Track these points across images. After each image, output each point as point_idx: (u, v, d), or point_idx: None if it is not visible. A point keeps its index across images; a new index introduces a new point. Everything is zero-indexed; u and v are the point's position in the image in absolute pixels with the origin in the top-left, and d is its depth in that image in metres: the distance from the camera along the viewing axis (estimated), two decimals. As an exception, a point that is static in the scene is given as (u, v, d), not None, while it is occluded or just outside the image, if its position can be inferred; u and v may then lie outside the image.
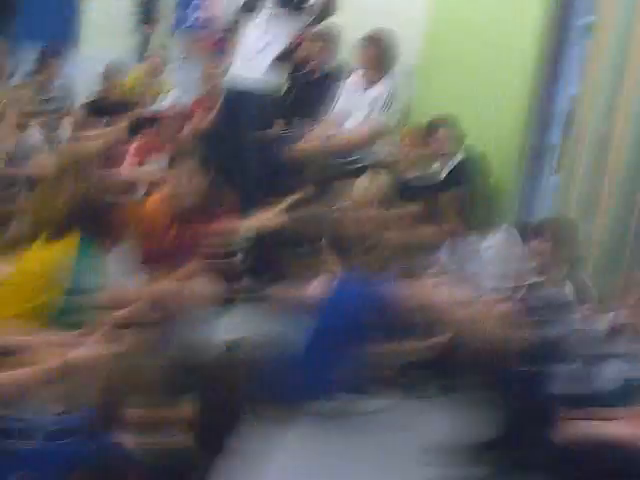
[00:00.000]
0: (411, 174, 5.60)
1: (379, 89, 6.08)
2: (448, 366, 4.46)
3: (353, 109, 6.21)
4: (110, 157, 5.79)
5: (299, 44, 6.82)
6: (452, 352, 4.30)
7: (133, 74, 7.77)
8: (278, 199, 5.40)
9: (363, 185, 4.97)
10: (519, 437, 3.74)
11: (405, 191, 5.49)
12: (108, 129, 6.97)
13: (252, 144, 6.42)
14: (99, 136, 6.48)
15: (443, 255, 5.02)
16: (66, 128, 7.02)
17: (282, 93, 6.63)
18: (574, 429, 3.26)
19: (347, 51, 6.61)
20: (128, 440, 2.50)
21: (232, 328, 4.69)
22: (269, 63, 6.40)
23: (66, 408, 2.64)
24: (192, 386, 2.37)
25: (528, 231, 4.51)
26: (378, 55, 6.07)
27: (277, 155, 6.16)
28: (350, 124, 6.21)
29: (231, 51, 6.99)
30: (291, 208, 5.23)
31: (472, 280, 4.78)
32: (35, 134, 6.65)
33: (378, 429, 4.33)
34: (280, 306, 4.62)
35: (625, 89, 4.60)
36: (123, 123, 6.90)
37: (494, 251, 4.75)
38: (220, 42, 8.34)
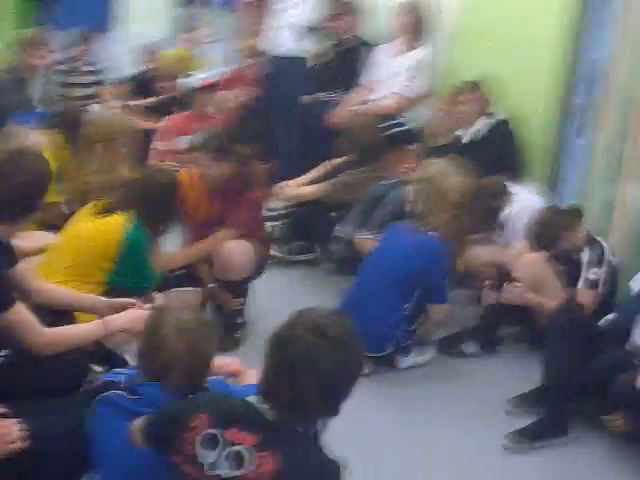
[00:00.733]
0: (441, 141, 5.68)
1: (416, 55, 6.24)
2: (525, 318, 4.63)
3: (391, 75, 6.33)
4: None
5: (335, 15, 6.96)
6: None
7: (174, 51, 7.90)
8: (320, 165, 5.58)
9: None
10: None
11: (442, 154, 5.63)
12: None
13: (294, 110, 6.55)
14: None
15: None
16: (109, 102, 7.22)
17: (319, 62, 6.70)
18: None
19: (385, 18, 6.72)
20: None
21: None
22: (305, 33, 6.54)
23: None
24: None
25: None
26: (415, 22, 6.22)
27: (319, 121, 6.33)
28: (388, 90, 6.32)
29: (268, 24, 7.12)
30: (332, 174, 5.40)
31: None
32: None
33: (459, 380, 4.48)
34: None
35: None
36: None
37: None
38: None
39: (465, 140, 5.46)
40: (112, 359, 3.55)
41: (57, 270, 3.86)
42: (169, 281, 4.37)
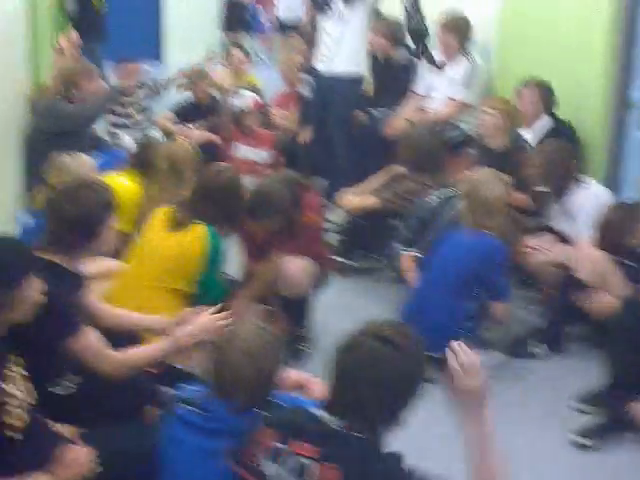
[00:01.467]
0: (498, 143, 5.64)
1: (458, 68, 6.27)
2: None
3: (435, 88, 6.41)
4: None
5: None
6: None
7: (216, 76, 7.97)
8: (379, 173, 5.57)
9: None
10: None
11: (493, 160, 5.59)
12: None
13: (345, 127, 6.61)
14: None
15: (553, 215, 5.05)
16: (156, 129, 7.32)
17: (365, 80, 6.76)
18: None
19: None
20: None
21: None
22: (349, 53, 6.53)
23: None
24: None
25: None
26: (455, 38, 6.25)
27: (371, 135, 6.40)
28: (433, 103, 6.40)
29: (311, 46, 7.19)
30: (392, 183, 5.40)
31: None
32: (125, 137, 6.96)
33: (526, 381, 4.47)
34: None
35: None
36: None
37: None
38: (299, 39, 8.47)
39: (530, 141, 5.39)
40: (180, 377, 3.58)
41: (138, 289, 3.94)
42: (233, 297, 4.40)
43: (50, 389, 3.07)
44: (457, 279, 4.31)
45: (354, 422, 2.28)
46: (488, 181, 4.53)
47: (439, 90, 6.36)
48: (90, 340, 3.12)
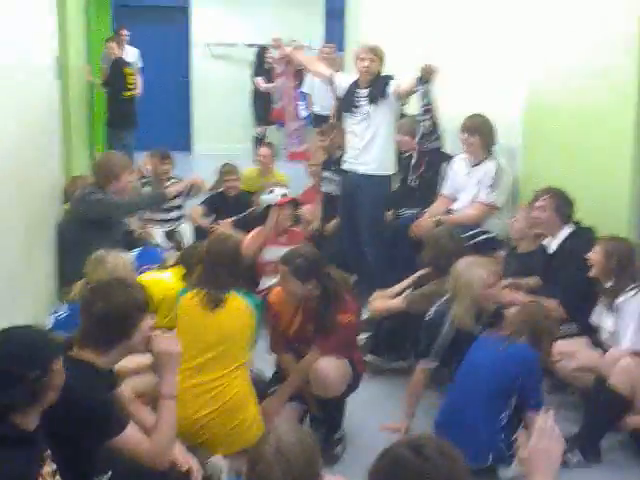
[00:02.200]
0: (525, 248, 5.70)
1: (484, 169, 6.34)
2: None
3: (461, 189, 6.49)
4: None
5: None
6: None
7: (247, 172, 8.14)
8: (402, 278, 5.62)
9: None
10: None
11: (521, 266, 5.65)
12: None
13: (374, 227, 6.64)
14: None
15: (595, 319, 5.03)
16: (187, 225, 7.44)
17: (393, 179, 6.84)
18: None
19: (451, 135, 6.86)
20: None
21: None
22: (376, 153, 6.61)
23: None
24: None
25: None
26: (480, 140, 6.33)
27: (399, 235, 6.44)
28: (459, 204, 6.48)
29: (339, 144, 7.30)
30: (419, 285, 5.43)
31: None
32: (158, 234, 7.06)
33: None
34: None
35: None
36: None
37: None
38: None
39: (551, 250, 5.43)
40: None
41: (197, 371, 4.06)
42: (269, 395, 4.52)
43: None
44: (490, 389, 4.28)
45: None
46: (466, 267, 4.67)
47: (466, 192, 6.43)
48: (135, 435, 3.18)
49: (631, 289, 4.79)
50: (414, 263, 5.67)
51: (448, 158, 6.79)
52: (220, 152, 11.95)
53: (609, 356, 4.65)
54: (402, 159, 7.05)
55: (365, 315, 5.73)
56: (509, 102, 6.84)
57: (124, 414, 3.26)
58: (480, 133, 6.34)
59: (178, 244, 7.21)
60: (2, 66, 4.88)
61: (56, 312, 4.90)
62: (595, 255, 4.90)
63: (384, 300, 5.56)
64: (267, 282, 6.09)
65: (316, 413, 4.57)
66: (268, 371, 4.84)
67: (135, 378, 4.04)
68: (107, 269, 4.53)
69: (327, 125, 8.17)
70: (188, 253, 5.26)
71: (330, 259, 5.31)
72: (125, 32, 12.01)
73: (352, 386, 4.58)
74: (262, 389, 4.49)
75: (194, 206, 7.59)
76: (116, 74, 10.99)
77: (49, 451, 2.77)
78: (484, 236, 6.18)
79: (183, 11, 14.37)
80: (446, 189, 6.63)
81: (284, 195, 6.48)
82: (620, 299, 4.78)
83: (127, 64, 11.28)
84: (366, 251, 6.67)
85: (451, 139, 6.91)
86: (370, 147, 6.60)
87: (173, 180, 7.50)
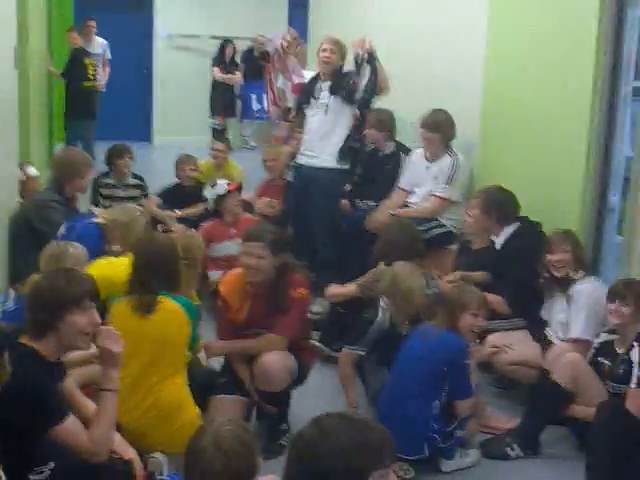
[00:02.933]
0: (479, 244, 5.73)
1: (441, 164, 6.38)
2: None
3: (418, 183, 6.51)
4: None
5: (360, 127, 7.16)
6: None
7: (203, 164, 8.11)
8: (359, 271, 5.63)
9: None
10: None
11: (473, 261, 5.69)
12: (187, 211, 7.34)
13: (327, 220, 6.64)
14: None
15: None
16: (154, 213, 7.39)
17: (350, 173, 6.82)
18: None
19: (409, 131, 6.88)
20: None
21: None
22: (334, 146, 6.60)
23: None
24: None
25: (610, 291, 4.54)
26: (439, 137, 6.37)
27: (354, 228, 6.45)
28: (415, 198, 6.51)
29: (296, 138, 7.28)
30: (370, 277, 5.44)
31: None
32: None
33: None
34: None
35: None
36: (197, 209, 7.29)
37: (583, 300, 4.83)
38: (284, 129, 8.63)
39: (497, 247, 5.48)
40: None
41: (133, 378, 3.99)
42: (215, 388, 4.50)
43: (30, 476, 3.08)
44: (420, 379, 4.31)
45: None
46: (407, 273, 4.68)
47: (423, 185, 6.47)
48: (75, 426, 3.17)
49: (582, 278, 4.86)
50: (370, 256, 5.67)
51: (407, 150, 6.82)
52: (181, 144, 11.91)
53: (553, 350, 4.70)
54: (365, 152, 7.06)
55: (317, 306, 5.75)
56: (467, 97, 6.89)
57: (65, 405, 3.23)
58: (440, 130, 6.36)
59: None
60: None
61: (4, 304, 4.84)
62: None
63: (336, 287, 5.57)
64: (215, 275, 6.09)
65: (261, 405, 4.55)
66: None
67: (81, 369, 4.04)
68: (63, 261, 4.46)
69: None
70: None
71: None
72: (93, 23, 11.88)
73: (298, 379, 4.57)
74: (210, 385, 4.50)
75: (153, 198, 7.55)
76: (76, 64, 10.87)
77: None
78: (439, 230, 6.23)
79: (147, 1, 14.28)
80: (403, 182, 6.66)
81: (228, 184, 6.51)
82: (572, 289, 4.85)
83: (88, 54, 11.16)
84: (319, 245, 6.65)
85: (409, 132, 6.93)
86: (327, 140, 6.59)
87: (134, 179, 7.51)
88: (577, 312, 4.81)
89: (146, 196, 7.51)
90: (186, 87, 14.11)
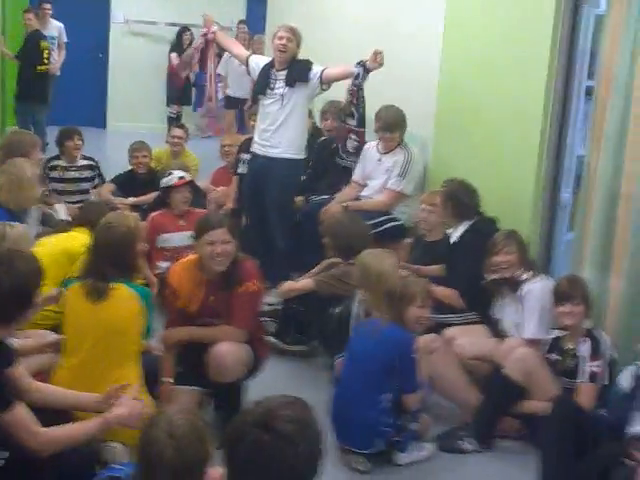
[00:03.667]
0: (433, 237, 5.78)
1: (394, 158, 6.42)
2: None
3: (371, 176, 6.55)
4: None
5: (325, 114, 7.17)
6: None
7: (157, 152, 8.06)
8: (311, 264, 5.63)
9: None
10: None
11: (427, 254, 5.73)
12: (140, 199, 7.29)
13: (282, 212, 6.59)
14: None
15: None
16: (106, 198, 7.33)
17: (303, 163, 6.78)
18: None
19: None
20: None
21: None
22: (289, 137, 6.54)
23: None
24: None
25: (558, 293, 4.61)
26: (397, 134, 6.41)
27: (309, 221, 6.45)
28: (369, 191, 6.54)
29: (251, 126, 7.26)
30: (323, 271, 5.47)
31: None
32: (61, 209, 6.93)
33: (458, 477, 4.43)
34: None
35: (628, 150, 4.79)
36: (149, 196, 7.23)
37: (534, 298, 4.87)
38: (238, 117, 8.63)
39: (452, 240, 5.52)
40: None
41: (83, 364, 4.00)
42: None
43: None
44: (369, 373, 4.32)
45: None
46: (375, 258, 4.67)
47: (376, 178, 6.49)
48: (20, 415, 3.12)
49: (532, 278, 4.92)
50: (323, 249, 5.69)
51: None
52: (135, 130, 11.82)
53: (505, 345, 4.76)
54: (318, 143, 7.06)
55: (269, 300, 5.75)
56: (422, 91, 6.92)
57: (12, 393, 3.20)
58: (398, 127, 6.41)
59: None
60: None
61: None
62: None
63: (290, 283, 5.57)
64: (164, 265, 6.05)
65: (215, 396, 4.54)
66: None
67: (33, 357, 4.02)
68: (10, 243, 4.43)
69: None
70: (87, 209, 5.25)
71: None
72: (48, 6, 11.72)
73: (253, 371, 4.55)
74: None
75: (107, 184, 7.50)
76: (31, 47, 10.74)
77: None
78: (391, 224, 6.26)
79: (103, -15, 14.12)
80: (357, 175, 6.67)
81: (181, 178, 6.39)
82: (523, 290, 4.90)
83: (44, 37, 11.02)
84: (274, 236, 6.61)
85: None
86: (283, 130, 6.52)
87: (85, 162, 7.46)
88: (529, 312, 4.85)
89: (100, 176, 7.51)
90: (142, 74, 13.99)
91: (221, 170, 8.06)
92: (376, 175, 6.49)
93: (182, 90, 12.90)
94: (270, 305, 5.74)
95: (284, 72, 6.49)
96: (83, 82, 13.67)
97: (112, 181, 7.57)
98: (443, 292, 5.18)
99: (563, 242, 5.60)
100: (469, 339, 5.07)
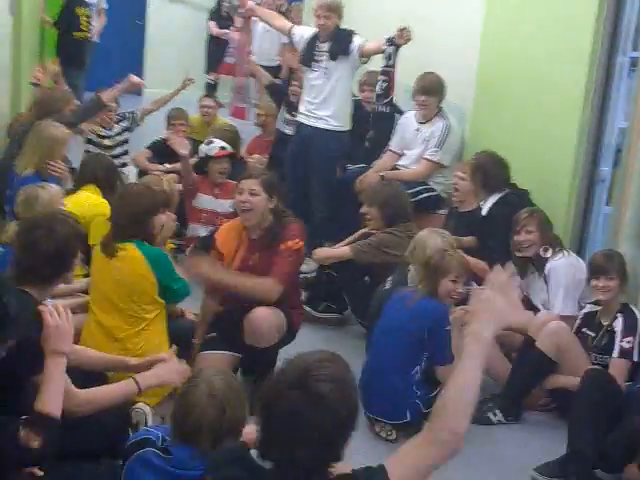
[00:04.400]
0: (466, 207, 5.74)
1: (432, 128, 6.38)
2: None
3: (409, 146, 6.51)
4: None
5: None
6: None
7: (192, 119, 8.05)
8: (347, 233, 5.60)
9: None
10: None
11: (460, 225, 5.70)
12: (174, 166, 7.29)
13: (324, 182, 6.60)
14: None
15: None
16: (132, 167, 7.37)
17: (346, 133, 6.73)
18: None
19: (403, 92, 6.85)
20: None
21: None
22: (334, 109, 6.55)
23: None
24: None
25: (593, 267, 4.57)
26: (434, 98, 6.36)
27: (346, 190, 6.43)
28: (406, 160, 6.50)
29: (296, 97, 7.21)
30: (359, 239, 5.44)
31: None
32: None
33: (485, 448, 4.37)
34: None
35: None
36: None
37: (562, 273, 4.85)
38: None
39: (483, 212, 5.50)
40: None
41: (104, 323, 4.13)
42: (204, 343, 4.51)
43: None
44: (401, 345, 4.32)
45: (287, 468, 2.24)
46: (429, 238, 4.56)
47: (414, 148, 6.46)
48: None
49: (556, 254, 4.88)
50: (359, 218, 5.67)
51: (401, 112, 6.81)
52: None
53: (538, 318, 4.73)
54: (361, 115, 7.02)
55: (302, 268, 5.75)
56: (463, 62, 6.86)
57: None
58: (437, 93, 6.36)
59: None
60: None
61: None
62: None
63: (327, 250, 5.55)
64: (197, 230, 6.13)
65: (246, 362, 4.55)
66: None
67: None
68: (42, 204, 4.46)
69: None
70: (88, 166, 5.42)
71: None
72: (88, -28, 11.68)
73: (286, 339, 4.55)
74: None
75: (142, 151, 7.52)
76: (68, 14, 10.74)
77: None
78: (427, 194, 6.22)
79: (142, -47, 14.08)
80: (394, 145, 6.64)
81: (222, 148, 6.34)
82: (548, 266, 4.87)
83: (82, 3, 11.01)
84: (315, 206, 6.60)
85: (403, 95, 6.90)
86: (328, 102, 6.54)
87: (119, 118, 7.51)
88: (555, 289, 4.83)
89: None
90: (180, 41, 13.95)
91: (257, 139, 8.04)
92: (414, 145, 6.46)
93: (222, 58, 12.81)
94: (302, 273, 5.72)
95: (327, 44, 6.50)
96: (121, 48, 13.68)
97: (148, 147, 7.58)
98: (476, 264, 5.14)
99: (601, 216, 5.52)
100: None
